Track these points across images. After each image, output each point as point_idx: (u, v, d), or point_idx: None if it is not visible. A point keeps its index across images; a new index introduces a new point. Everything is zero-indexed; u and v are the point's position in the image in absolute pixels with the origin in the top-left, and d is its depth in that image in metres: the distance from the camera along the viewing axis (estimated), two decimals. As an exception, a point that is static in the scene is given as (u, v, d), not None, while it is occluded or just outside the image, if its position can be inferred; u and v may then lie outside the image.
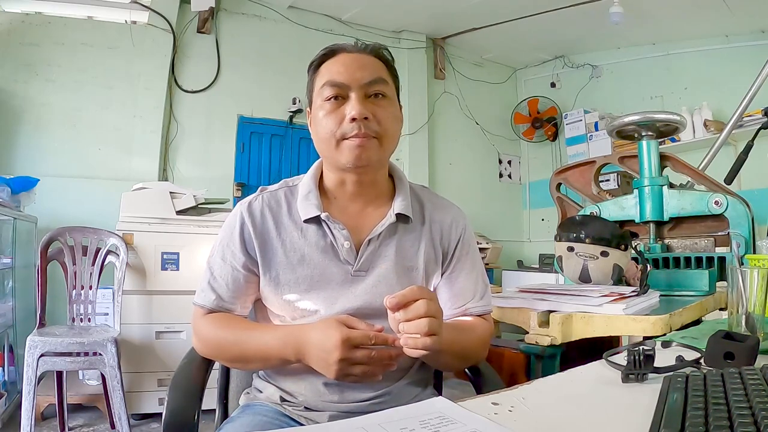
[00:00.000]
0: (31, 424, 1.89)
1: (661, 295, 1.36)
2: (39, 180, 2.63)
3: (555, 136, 4.67)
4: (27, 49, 3.13)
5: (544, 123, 4.68)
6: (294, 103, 3.82)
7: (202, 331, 0.87)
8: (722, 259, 1.59)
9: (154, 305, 2.39)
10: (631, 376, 0.64)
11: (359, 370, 0.72)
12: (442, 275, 0.93)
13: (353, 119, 0.82)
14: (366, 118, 0.82)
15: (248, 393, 0.93)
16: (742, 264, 1.19)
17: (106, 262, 2.34)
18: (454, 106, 4.63)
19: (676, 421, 0.44)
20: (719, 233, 1.67)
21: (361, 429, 0.51)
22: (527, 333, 1.19)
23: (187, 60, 3.57)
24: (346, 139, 0.83)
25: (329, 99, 0.84)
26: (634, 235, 1.53)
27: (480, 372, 0.95)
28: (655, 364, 0.65)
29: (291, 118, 3.86)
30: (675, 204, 1.69)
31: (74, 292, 2.27)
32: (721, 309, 1.45)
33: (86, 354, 2.02)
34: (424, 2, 3.87)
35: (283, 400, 0.86)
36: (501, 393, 0.63)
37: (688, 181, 1.80)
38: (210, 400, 0.94)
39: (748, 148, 1.79)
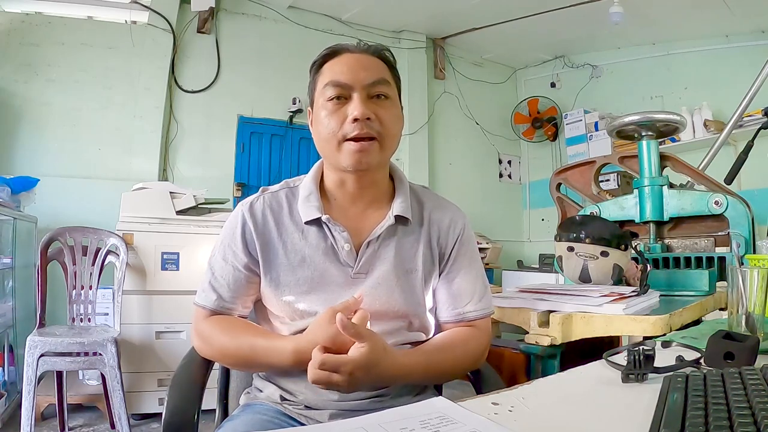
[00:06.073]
0: (31, 424, 1.89)
1: (661, 295, 1.36)
2: (39, 180, 2.63)
3: (555, 136, 4.67)
4: (27, 49, 3.13)
5: (544, 123, 4.68)
6: (294, 103, 3.82)
7: (208, 336, 0.87)
8: (722, 259, 1.59)
9: (154, 305, 2.39)
10: (631, 376, 0.64)
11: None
12: (440, 275, 0.93)
13: (355, 119, 0.82)
14: (368, 119, 0.82)
15: (248, 393, 0.93)
16: (742, 264, 1.19)
17: (106, 262, 2.34)
18: (454, 106, 4.63)
19: (676, 421, 0.44)
20: (719, 233, 1.67)
21: (361, 429, 0.51)
22: (527, 333, 1.19)
23: (187, 60, 3.57)
24: (348, 140, 0.83)
25: (332, 99, 0.84)
26: (634, 235, 1.53)
27: (480, 372, 0.95)
28: (655, 364, 0.65)
29: (291, 118, 3.86)
30: (675, 204, 1.69)
31: (74, 292, 2.27)
32: (721, 309, 1.45)
33: (86, 354, 2.02)
34: (424, 2, 3.87)
35: (283, 399, 0.86)
36: (501, 393, 0.63)
37: (688, 181, 1.80)
38: (210, 400, 0.94)
39: (748, 148, 1.79)
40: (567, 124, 4.35)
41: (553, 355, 1.16)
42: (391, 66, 0.91)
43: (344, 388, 0.72)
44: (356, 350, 0.72)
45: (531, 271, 4.17)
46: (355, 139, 0.83)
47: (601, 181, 2.65)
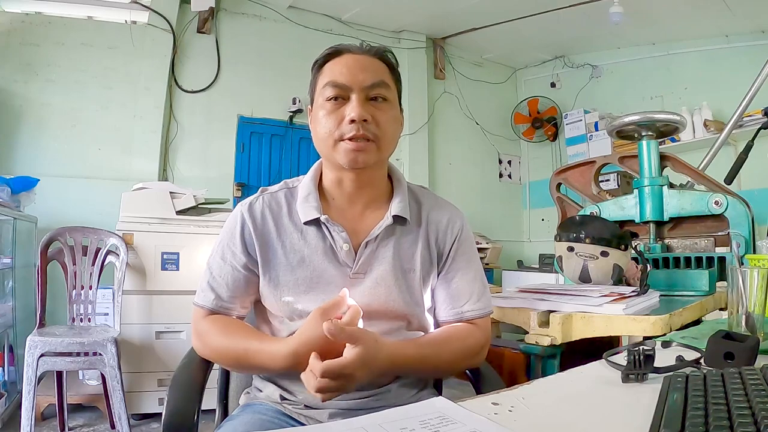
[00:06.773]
0: (31, 424, 1.89)
1: (661, 295, 1.36)
2: (39, 180, 2.63)
3: (555, 136, 4.68)
4: (27, 49, 3.14)
5: (544, 123, 4.68)
6: (294, 103, 3.82)
7: (204, 335, 0.87)
8: (722, 259, 1.59)
9: (154, 305, 2.39)
10: (631, 376, 0.64)
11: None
12: (438, 275, 0.93)
13: (352, 121, 0.82)
14: (365, 121, 0.82)
15: (248, 392, 0.93)
16: (742, 264, 1.19)
17: (106, 262, 2.34)
18: (454, 106, 4.63)
19: (676, 421, 0.44)
20: (719, 233, 1.67)
21: (362, 429, 0.51)
22: (527, 333, 1.19)
23: (187, 60, 3.57)
24: (344, 140, 0.83)
25: (330, 99, 0.85)
26: (634, 235, 1.53)
27: (480, 372, 0.95)
28: (655, 364, 0.65)
29: (291, 118, 3.86)
30: (675, 204, 1.69)
31: (74, 292, 2.27)
32: (721, 309, 1.45)
33: (86, 354, 2.02)
34: (424, 2, 3.87)
35: (283, 398, 0.86)
36: (501, 393, 0.63)
37: (688, 181, 1.80)
38: (210, 400, 0.94)
39: (748, 148, 1.79)
40: (567, 124, 4.35)
41: (553, 355, 1.16)
42: (392, 68, 0.91)
43: (349, 389, 0.73)
44: (351, 350, 0.72)
45: (531, 271, 4.17)
46: (351, 139, 0.83)
47: (601, 181, 2.65)
